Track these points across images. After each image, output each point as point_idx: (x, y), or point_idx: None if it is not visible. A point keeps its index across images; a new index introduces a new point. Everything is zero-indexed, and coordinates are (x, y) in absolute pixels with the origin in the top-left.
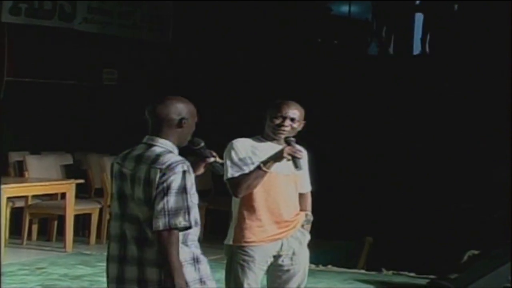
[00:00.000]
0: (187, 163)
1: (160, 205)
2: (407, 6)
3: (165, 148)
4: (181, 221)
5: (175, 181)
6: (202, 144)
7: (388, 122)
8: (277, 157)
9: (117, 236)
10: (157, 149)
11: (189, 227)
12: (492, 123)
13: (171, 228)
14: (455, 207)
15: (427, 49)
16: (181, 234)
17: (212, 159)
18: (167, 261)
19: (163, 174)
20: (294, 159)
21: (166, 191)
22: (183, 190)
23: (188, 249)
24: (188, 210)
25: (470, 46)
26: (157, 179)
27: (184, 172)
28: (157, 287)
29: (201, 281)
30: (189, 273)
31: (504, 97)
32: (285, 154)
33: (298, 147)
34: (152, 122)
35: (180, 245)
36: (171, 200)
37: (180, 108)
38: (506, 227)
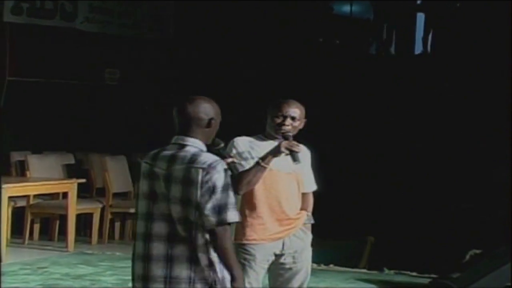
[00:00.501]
0: (224, 162)
1: (210, 204)
2: (408, 6)
3: (198, 147)
4: (232, 216)
5: (219, 179)
6: (222, 144)
7: (388, 122)
8: (275, 152)
9: (143, 235)
10: (190, 149)
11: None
12: (492, 123)
13: (224, 224)
14: (455, 207)
15: (429, 49)
16: None
17: (230, 160)
18: (225, 256)
19: (206, 173)
20: (292, 153)
21: (212, 190)
22: (228, 187)
23: None
24: (235, 205)
25: (471, 46)
26: (199, 178)
27: (225, 170)
28: (186, 284)
29: (225, 280)
30: (221, 271)
31: (504, 97)
32: (282, 148)
33: (295, 142)
34: (180, 122)
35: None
36: (220, 198)
37: (209, 109)
38: (506, 226)
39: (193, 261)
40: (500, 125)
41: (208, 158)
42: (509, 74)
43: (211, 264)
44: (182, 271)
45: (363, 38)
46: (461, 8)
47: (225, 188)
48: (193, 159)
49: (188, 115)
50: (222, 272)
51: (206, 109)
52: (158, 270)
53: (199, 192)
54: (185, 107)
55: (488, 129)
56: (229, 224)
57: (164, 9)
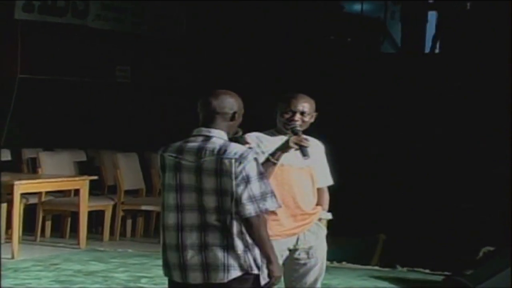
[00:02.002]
0: (253, 152)
1: (246, 193)
2: (420, 4)
3: (224, 139)
4: (271, 205)
5: (252, 168)
6: (240, 132)
7: (392, 121)
8: (284, 147)
9: (174, 225)
10: (217, 141)
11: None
12: (492, 123)
13: (261, 213)
14: (465, 205)
15: (438, 48)
16: None
17: (247, 146)
18: (261, 244)
19: (239, 163)
20: (301, 148)
21: (247, 179)
22: (262, 175)
23: None
24: (273, 193)
25: (475, 45)
26: (233, 169)
27: (255, 159)
28: (222, 271)
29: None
30: (258, 256)
31: (504, 97)
32: (291, 144)
33: (305, 137)
34: (205, 115)
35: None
36: (255, 187)
37: (233, 103)
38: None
39: (227, 248)
40: (500, 125)
41: (238, 148)
42: (509, 74)
43: (246, 250)
44: (217, 259)
45: (374, 37)
46: (471, 8)
47: (260, 177)
48: (223, 150)
49: (213, 109)
50: (259, 258)
51: (230, 103)
52: (194, 259)
53: (233, 182)
54: (210, 101)
55: (488, 129)
56: (266, 212)
57: (176, 8)
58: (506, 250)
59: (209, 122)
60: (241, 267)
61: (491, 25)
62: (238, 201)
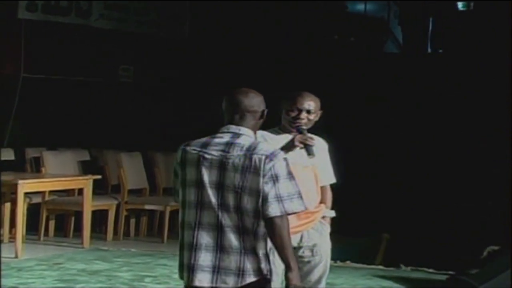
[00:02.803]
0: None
1: (273, 192)
2: (420, 5)
3: (252, 137)
4: (297, 206)
5: (281, 168)
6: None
7: (392, 121)
8: (289, 146)
9: (192, 223)
10: (246, 138)
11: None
12: (492, 123)
13: (286, 213)
14: (468, 204)
15: (440, 48)
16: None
17: None
18: (282, 247)
19: (270, 161)
20: (306, 147)
21: (275, 178)
22: (291, 176)
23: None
24: (300, 195)
25: (476, 46)
26: (262, 166)
27: (285, 159)
28: (236, 275)
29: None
30: (269, 263)
31: (504, 97)
32: (296, 142)
33: (310, 135)
34: (235, 113)
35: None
36: (282, 186)
37: (260, 101)
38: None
39: (246, 251)
40: (500, 125)
41: (268, 147)
42: (509, 73)
43: (267, 254)
44: (232, 262)
45: (377, 37)
46: (473, 8)
47: (289, 177)
48: (253, 147)
49: (244, 107)
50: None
51: (258, 102)
52: (206, 260)
53: (261, 180)
54: (241, 100)
55: (488, 129)
56: (291, 213)
57: (180, 8)
58: (508, 251)
59: (239, 120)
60: (259, 271)
61: (491, 25)
62: (264, 200)
